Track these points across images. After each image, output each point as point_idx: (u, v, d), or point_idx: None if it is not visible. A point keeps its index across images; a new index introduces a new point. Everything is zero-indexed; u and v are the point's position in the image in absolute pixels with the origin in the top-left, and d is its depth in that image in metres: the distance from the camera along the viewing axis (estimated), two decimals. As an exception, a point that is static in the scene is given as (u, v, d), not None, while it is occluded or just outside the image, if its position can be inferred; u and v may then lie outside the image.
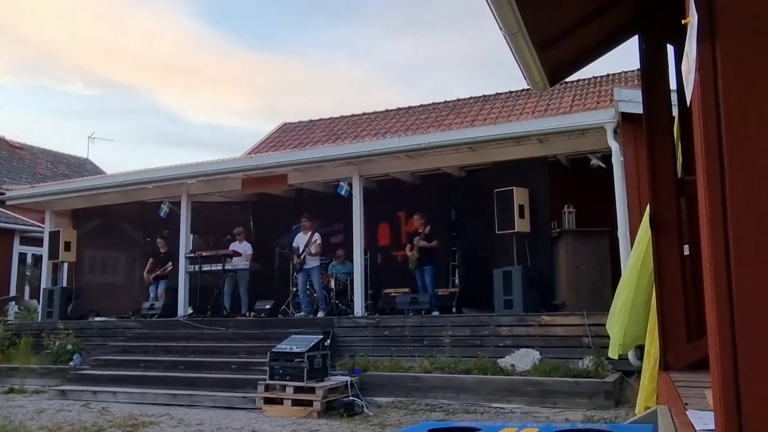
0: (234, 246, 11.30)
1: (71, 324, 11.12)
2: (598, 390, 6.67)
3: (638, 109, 6.45)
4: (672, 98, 3.80)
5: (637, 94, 6.81)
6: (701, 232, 1.34)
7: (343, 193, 10.18)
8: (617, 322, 4.22)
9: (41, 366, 9.94)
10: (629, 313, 4.11)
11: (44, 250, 12.64)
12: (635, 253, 4.05)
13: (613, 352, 4.40)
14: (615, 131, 8.00)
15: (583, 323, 7.73)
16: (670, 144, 3.73)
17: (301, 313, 10.65)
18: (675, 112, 3.89)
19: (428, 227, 10.01)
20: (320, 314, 10.25)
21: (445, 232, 10.88)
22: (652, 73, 3.82)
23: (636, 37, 3.91)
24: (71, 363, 9.90)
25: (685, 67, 1.50)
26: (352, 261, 10.35)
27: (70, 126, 58.33)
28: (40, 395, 8.91)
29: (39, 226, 14.72)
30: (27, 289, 16.23)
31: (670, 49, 3.78)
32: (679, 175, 3.73)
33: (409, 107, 16.49)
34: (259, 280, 11.33)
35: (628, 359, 6.57)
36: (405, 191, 11.19)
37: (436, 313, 9.49)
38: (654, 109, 3.75)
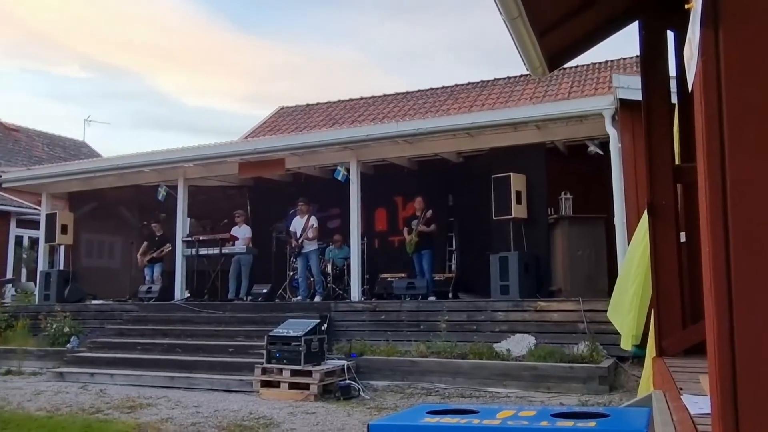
0: (234, 230, 11.31)
1: (68, 307, 11.14)
2: (593, 375, 6.73)
3: (637, 96, 6.45)
4: (671, 85, 3.79)
5: (635, 81, 6.80)
6: (701, 218, 1.35)
7: (340, 178, 10.18)
8: (629, 313, 4.22)
9: (39, 348, 9.96)
10: (640, 303, 4.12)
11: (41, 233, 12.64)
12: (644, 243, 4.04)
13: (626, 344, 4.42)
14: (613, 118, 8.00)
15: (578, 309, 7.79)
16: (669, 131, 3.73)
17: (298, 298, 10.69)
18: (674, 99, 3.88)
19: (428, 211, 10.02)
20: (317, 299, 10.29)
21: (443, 217, 10.90)
22: (651, 60, 3.81)
23: (636, 22, 3.89)
24: (68, 345, 9.94)
25: (687, 53, 1.50)
26: (348, 246, 10.37)
27: (66, 109, 57.97)
28: (37, 377, 8.95)
29: (35, 209, 14.68)
30: (24, 271, 16.22)
31: (670, 35, 3.77)
32: (677, 162, 3.74)
33: (407, 92, 16.44)
34: (256, 264, 11.35)
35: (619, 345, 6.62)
36: (402, 176, 11.18)
37: (432, 298, 9.54)
38: (653, 95, 3.74)
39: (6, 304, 12.34)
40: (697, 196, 1.52)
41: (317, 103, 17.51)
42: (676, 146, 3.85)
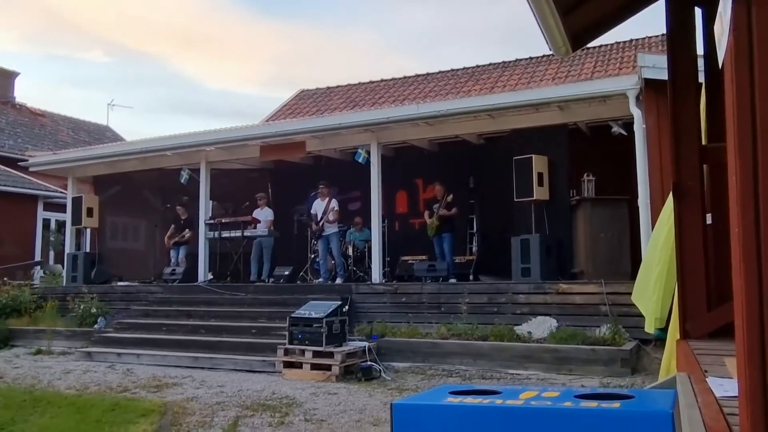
0: (255, 213, 11.39)
1: (95, 288, 11.37)
2: (615, 357, 6.70)
3: (662, 76, 6.33)
4: (698, 64, 3.71)
5: (661, 60, 6.68)
6: (730, 197, 1.32)
7: (360, 160, 10.17)
8: (653, 296, 4.19)
9: (67, 328, 10.19)
10: (665, 286, 4.08)
11: (67, 216, 12.86)
12: (668, 225, 3.99)
13: (649, 327, 4.39)
14: (637, 98, 7.87)
15: (600, 291, 7.73)
16: (695, 110, 3.66)
17: (320, 280, 10.76)
18: (700, 78, 3.80)
19: (450, 195, 9.99)
20: (338, 281, 10.35)
21: (463, 200, 10.85)
22: (678, 38, 3.72)
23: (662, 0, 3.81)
24: (96, 326, 10.15)
25: (718, 29, 1.46)
26: (369, 228, 10.39)
27: (89, 94, 58.61)
28: (66, 357, 9.16)
29: (62, 192, 14.93)
30: (51, 254, 16.55)
31: (697, 12, 3.68)
32: (704, 143, 3.67)
33: (428, 74, 16.31)
34: (277, 246, 11.43)
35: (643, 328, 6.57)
36: (423, 158, 11.14)
37: (453, 280, 9.54)
38: (679, 74, 3.66)
39: (35, 286, 12.62)
40: (724, 177, 1.49)
41: (337, 86, 17.47)
42: (703, 126, 3.78)
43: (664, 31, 3.97)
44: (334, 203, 10.64)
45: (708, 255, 3.51)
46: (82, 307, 10.49)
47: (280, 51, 63.56)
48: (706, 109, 3.80)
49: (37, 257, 15.59)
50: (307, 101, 17.02)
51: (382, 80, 16.82)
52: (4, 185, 15.09)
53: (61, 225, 15.81)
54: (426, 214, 10.37)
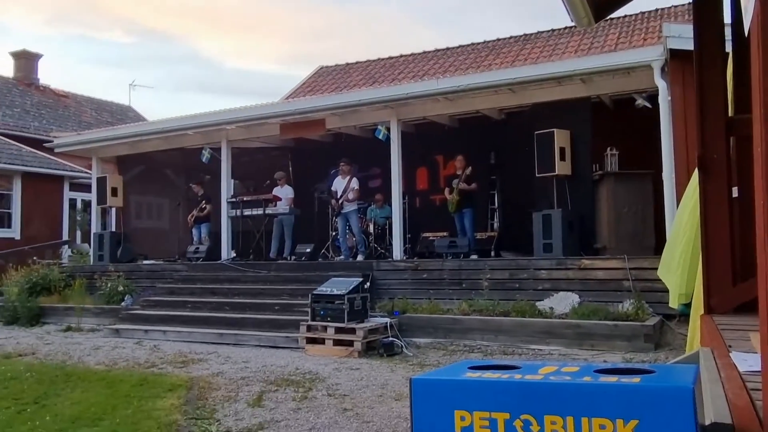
0: (276, 191, 11.46)
1: (121, 267, 11.60)
2: (638, 333, 6.66)
3: (688, 46, 6.16)
4: (725, 33, 3.60)
5: (687, 29, 6.49)
6: (755, 168, 1.29)
7: (380, 137, 10.14)
8: (677, 270, 4.14)
9: (95, 306, 10.43)
10: (690, 261, 4.02)
11: (93, 196, 13.07)
12: (693, 199, 3.91)
13: (673, 302, 4.35)
14: (663, 69, 7.69)
15: (623, 267, 7.66)
16: (722, 81, 3.56)
17: (341, 257, 10.82)
18: (728, 48, 3.70)
19: (469, 169, 9.93)
20: (359, 258, 10.40)
21: (484, 176, 10.78)
22: (704, 5, 3.61)
23: (689, -34, 3.70)
24: (123, 303, 10.36)
25: (744, -4, 1.42)
26: (390, 205, 10.40)
27: (110, 74, 59.03)
28: (95, 333, 9.39)
29: (87, 173, 15.16)
30: (78, 233, 16.87)
31: (725, -22, 3.56)
32: (730, 114, 3.58)
33: (447, 48, 16.13)
34: (299, 224, 11.51)
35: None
36: (443, 134, 11.07)
37: (474, 256, 9.52)
38: (706, 43, 3.56)
39: (63, 265, 12.91)
40: (751, 149, 1.46)
41: (357, 62, 17.36)
42: (730, 97, 3.68)
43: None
44: (354, 182, 10.65)
45: (733, 229, 3.44)
46: (109, 285, 10.72)
47: (299, 28, 63.24)
48: (734, 80, 3.70)
49: (65, 236, 15.91)
50: (326, 78, 16.96)
51: (401, 55, 16.67)
52: (32, 166, 15.36)
53: (86, 205, 16.09)
54: (446, 190, 10.33)
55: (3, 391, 5.61)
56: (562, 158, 8.75)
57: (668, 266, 4.58)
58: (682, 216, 4.39)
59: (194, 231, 12.46)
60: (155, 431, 4.36)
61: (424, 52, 16.34)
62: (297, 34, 64.41)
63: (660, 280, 4.91)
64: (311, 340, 7.49)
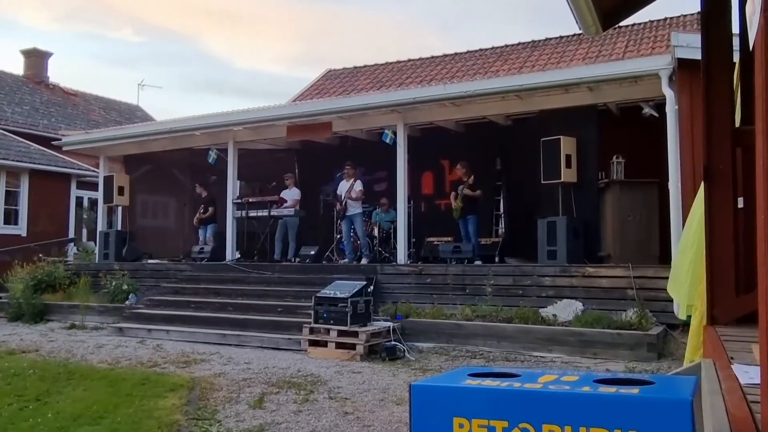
0: (283, 192, 11.48)
1: (126, 265, 11.63)
2: (641, 342, 6.64)
3: (696, 55, 6.15)
4: (734, 43, 3.60)
5: (695, 39, 6.48)
6: (757, 181, 1.29)
7: (387, 140, 10.15)
8: (685, 282, 4.12)
9: (99, 304, 10.47)
10: (699, 271, 4.00)
11: (99, 194, 13.13)
12: (701, 210, 3.90)
13: (682, 314, 4.33)
14: (670, 78, 7.67)
15: (628, 275, 7.64)
16: (729, 91, 3.55)
17: (345, 260, 10.83)
18: (736, 58, 3.69)
19: (471, 176, 9.93)
20: (363, 261, 10.40)
21: (490, 181, 10.78)
22: (713, 15, 3.61)
23: (698, -24, 3.69)
24: (127, 302, 10.39)
25: (749, 8, 1.42)
26: (395, 209, 10.40)
27: (119, 73, 59.36)
28: (99, 331, 9.42)
29: (94, 171, 15.21)
30: (84, 231, 16.93)
31: (734, -11, 3.56)
32: (737, 125, 3.57)
33: (455, 54, 16.14)
34: (303, 226, 11.53)
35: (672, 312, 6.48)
36: (449, 139, 11.06)
37: (478, 262, 9.51)
38: (713, 53, 3.55)
39: (69, 262, 12.96)
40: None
41: (364, 66, 17.39)
42: (737, 108, 3.67)
43: (699, 9, 3.85)
44: (358, 184, 10.67)
45: (738, 240, 3.43)
46: (113, 283, 10.75)
47: (308, 30, 63.43)
48: (740, 90, 3.69)
49: (71, 234, 15.96)
50: (333, 81, 17.00)
51: (408, 60, 16.70)
52: (40, 164, 15.43)
53: (93, 203, 16.15)
54: (452, 195, 10.33)
55: (5, 387, 5.64)
56: (568, 165, 8.74)
57: (676, 278, 4.56)
58: (691, 226, 4.38)
59: (200, 231, 12.50)
60: (156, 431, 4.37)
61: (432, 57, 16.36)
62: (305, 37, 64.63)
63: (664, 289, 4.90)
64: (314, 343, 7.49)
